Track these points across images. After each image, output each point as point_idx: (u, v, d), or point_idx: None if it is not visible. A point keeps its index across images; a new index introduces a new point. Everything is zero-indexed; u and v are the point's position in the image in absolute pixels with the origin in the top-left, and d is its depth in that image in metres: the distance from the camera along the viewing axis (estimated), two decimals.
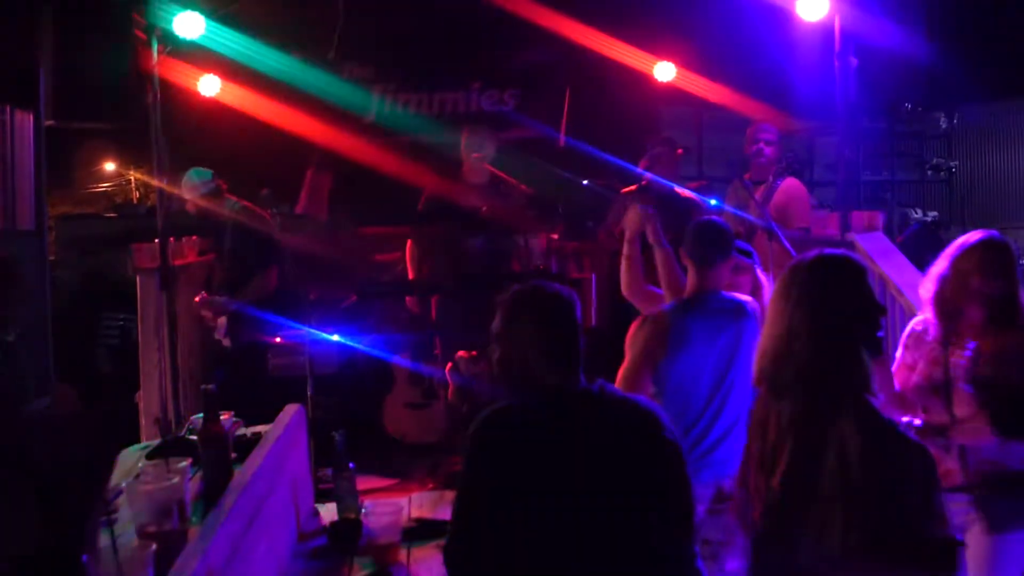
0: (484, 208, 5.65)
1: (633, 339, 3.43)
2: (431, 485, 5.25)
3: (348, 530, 3.06)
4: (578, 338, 2.43)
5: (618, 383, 3.33)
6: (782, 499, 2.30)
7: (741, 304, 3.48)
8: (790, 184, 5.58)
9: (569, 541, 2.22)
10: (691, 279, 3.53)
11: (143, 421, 5.43)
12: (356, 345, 5.87)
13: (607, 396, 2.39)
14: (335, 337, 5.51)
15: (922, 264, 4.78)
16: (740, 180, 5.70)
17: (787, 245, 5.26)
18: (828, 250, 2.44)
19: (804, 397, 2.32)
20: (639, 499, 2.28)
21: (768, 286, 3.66)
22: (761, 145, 5.66)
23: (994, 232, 3.04)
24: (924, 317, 3.18)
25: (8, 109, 5.56)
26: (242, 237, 5.70)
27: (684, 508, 2.35)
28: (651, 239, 3.84)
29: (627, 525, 2.25)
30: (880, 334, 2.38)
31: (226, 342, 5.60)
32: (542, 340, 2.40)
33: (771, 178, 5.55)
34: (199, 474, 2.56)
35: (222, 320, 5.59)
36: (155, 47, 4.79)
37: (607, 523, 2.23)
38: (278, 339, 5.55)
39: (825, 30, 5.26)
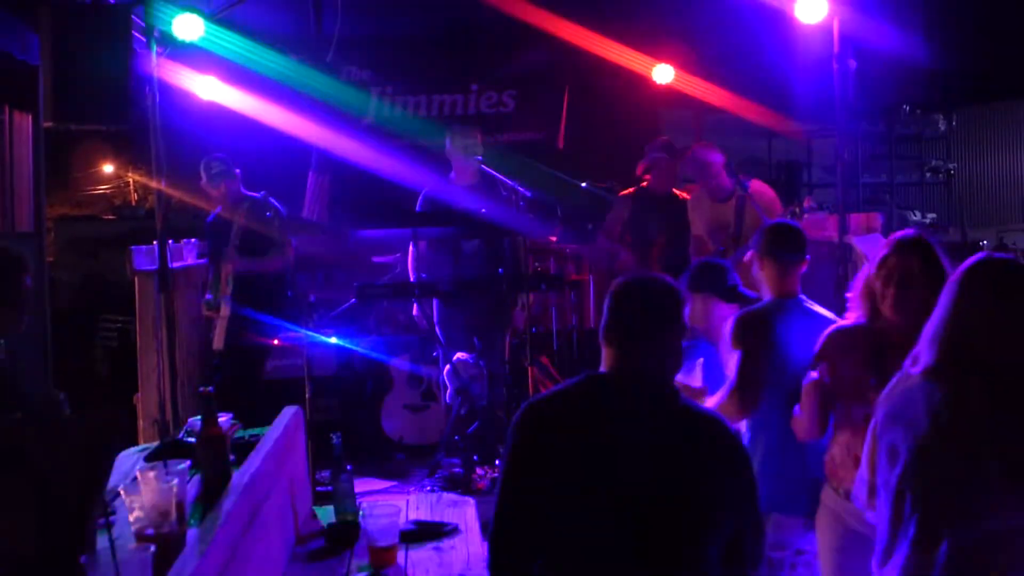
0: (483, 210, 5.66)
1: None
2: (429, 487, 5.25)
3: (346, 532, 3.07)
4: (643, 327, 2.29)
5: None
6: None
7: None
8: (759, 187, 5.54)
9: (611, 534, 2.15)
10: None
11: (141, 423, 5.44)
12: (354, 347, 5.87)
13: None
14: (333, 339, 5.51)
15: None
16: (705, 193, 5.58)
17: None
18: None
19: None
20: (683, 493, 2.18)
21: None
22: (721, 177, 5.55)
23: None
24: None
25: (7, 110, 5.55)
26: (257, 219, 5.69)
27: (736, 503, 2.23)
28: None
29: (670, 521, 2.16)
30: None
31: (216, 345, 5.57)
32: (610, 325, 2.33)
33: (738, 189, 5.46)
34: (197, 476, 2.55)
35: (221, 323, 5.55)
36: (154, 49, 4.80)
37: (649, 518, 2.15)
38: (276, 341, 5.54)
39: (824, 32, 5.26)
